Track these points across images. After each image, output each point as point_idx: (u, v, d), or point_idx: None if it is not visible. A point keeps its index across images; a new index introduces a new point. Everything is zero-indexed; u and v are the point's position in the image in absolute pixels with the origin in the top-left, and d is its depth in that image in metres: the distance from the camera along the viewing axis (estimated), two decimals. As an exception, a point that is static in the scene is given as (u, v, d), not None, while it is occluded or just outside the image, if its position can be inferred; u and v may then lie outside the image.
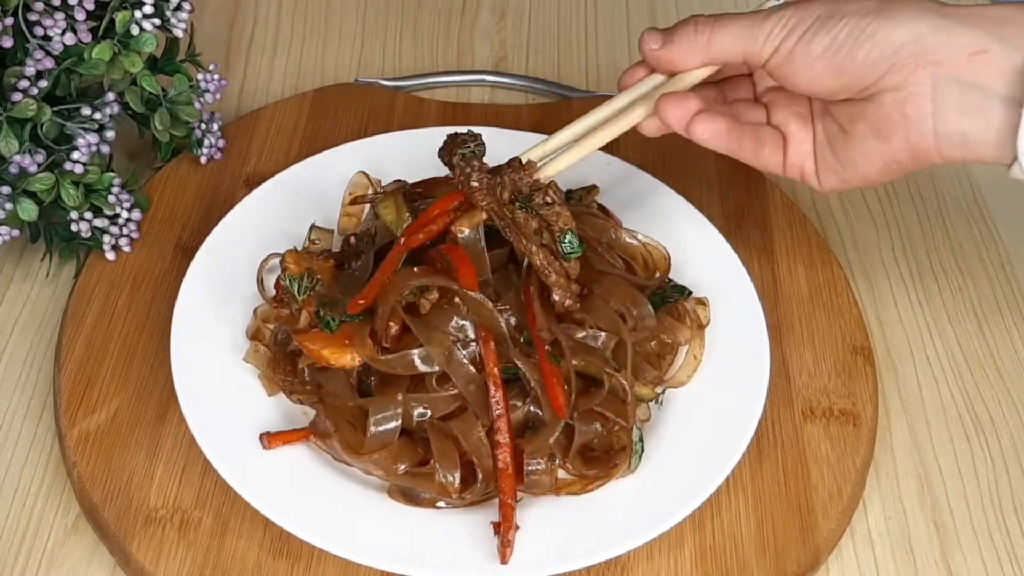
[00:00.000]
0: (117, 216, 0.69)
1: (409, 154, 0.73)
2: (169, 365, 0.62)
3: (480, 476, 0.57)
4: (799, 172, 0.61)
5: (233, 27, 0.91)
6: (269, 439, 0.59)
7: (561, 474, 0.59)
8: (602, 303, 0.62)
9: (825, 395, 0.65)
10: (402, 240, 0.60)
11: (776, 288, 0.70)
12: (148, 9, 0.66)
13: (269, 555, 0.57)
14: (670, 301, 0.65)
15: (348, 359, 0.59)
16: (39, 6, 0.63)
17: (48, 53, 0.64)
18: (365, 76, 0.87)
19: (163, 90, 0.72)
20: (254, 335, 0.64)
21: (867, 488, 0.63)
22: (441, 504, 0.58)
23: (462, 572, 0.55)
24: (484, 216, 0.60)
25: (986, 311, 0.72)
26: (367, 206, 0.69)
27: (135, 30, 0.66)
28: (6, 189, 0.65)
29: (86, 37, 0.65)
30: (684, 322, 0.65)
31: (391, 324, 0.59)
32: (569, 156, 0.60)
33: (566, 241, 0.58)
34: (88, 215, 0.68)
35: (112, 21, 0.66)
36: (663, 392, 0.63)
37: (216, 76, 0.73)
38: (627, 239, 0.68)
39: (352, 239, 0.66)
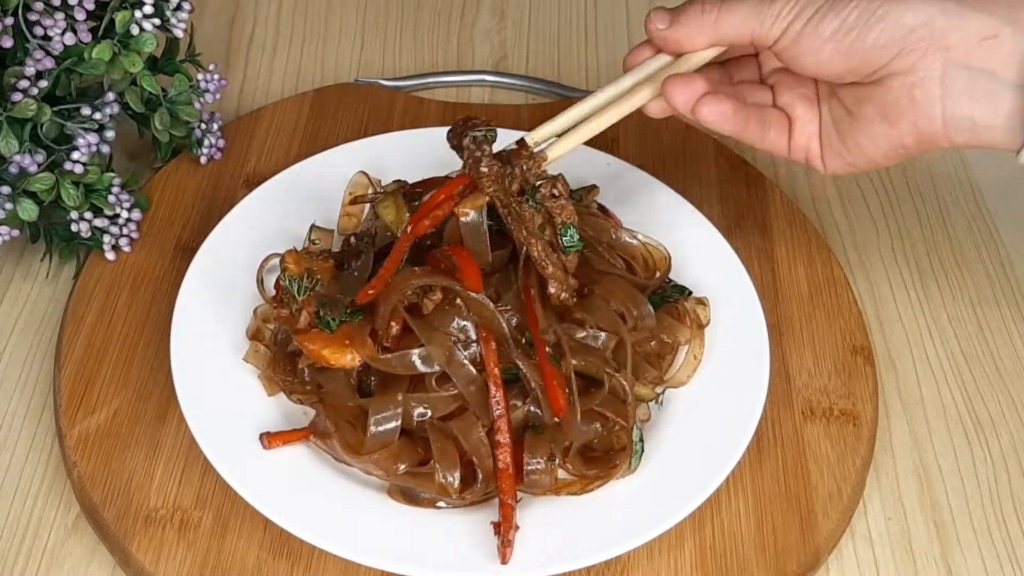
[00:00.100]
0: (117, 216, 0.69)
1: (409, 154, 0.73)
2: (169, 365, 0.62)
3: (480, 476, 0.57)
4: (804, 154, 0.60)
5: (233, 27, 0.91)
6: (269, 439, 0.59)
7: (561, 474, 0.59)
8: (602, 303, 0.62)
9: (825, 395, 0.65)
10: (409, 228, 0.60)
11: (776, 288, 0.70)
12: (148, 9, 0.66)
13: (269, 555, 0.57)
14: (670, 301, 0.65)
15: (348, 359, 0.59)
16: (39, 6, 0.63)
17: (48, 53, 0.64)
18: (365, 76, 0.87)
19: (163, 90, 0.72)
20: (254, 335, 0.64)
21: (867, 488, 0.63)
22: (441, 504, 0.58)
23: (462, 572, 0.55)
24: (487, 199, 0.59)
25: (986, 311, 0.72)
26: (367, 206, 0.69)
27: (135, 30, 0.66)
28: (6, 189, 0.65)
29: (86, 37, 0.65)
30: (684, 322, 0.65)
31: (392, 324, 0.59)
32: (574, 137, 0.59)
33: (567, 235, 0.58)
34: (88, 215, 0.68)
35: (112, 21, 0.66)
36: (663, 392, 0.63)
37: (216, 76, 0.73)
38: (627, 239, 0.68)
39: (352, 239, 0.66)
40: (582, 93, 0.85)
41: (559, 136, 0.60)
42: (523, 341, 0.59)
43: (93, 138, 0.66)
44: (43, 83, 0.64)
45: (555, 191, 0.58)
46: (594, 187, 0.72)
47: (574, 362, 0.59)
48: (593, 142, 0.74)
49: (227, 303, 0.65)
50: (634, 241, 0.68)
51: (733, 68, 0.63)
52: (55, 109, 0.65)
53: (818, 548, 0.59)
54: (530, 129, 0.61)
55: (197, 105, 0.73)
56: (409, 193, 0.65)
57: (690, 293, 0.66)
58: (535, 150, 0.59)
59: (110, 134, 0.67)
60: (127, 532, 0.57)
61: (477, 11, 0.94)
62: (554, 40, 0.91)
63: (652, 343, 0.64)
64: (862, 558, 0.60)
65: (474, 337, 0.59)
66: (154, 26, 0.67)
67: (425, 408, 0.59)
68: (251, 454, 0.59)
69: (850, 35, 0.54)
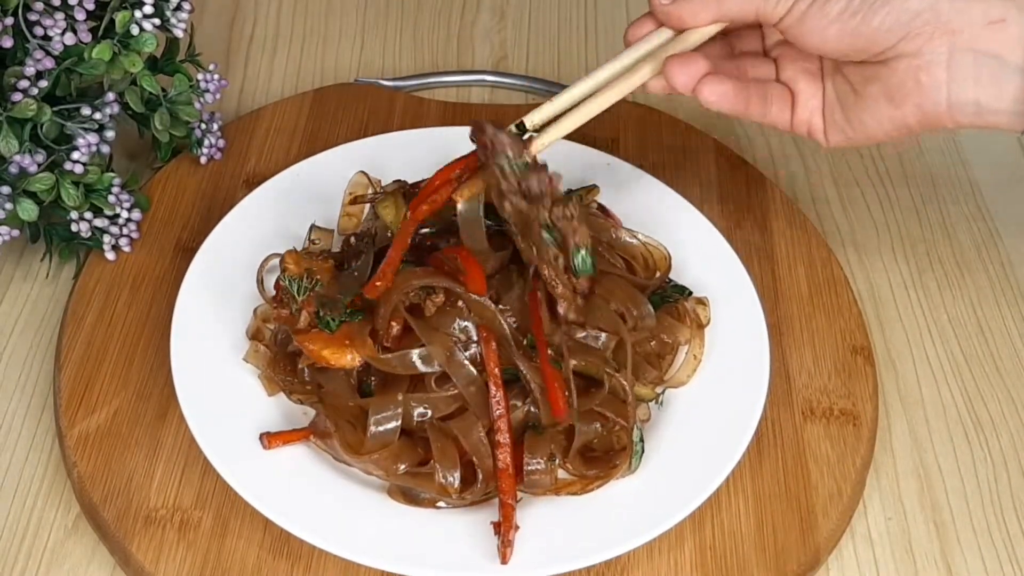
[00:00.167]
0: (117, 216, 0.69)
1: (409, 154, 0.73)
2: (169, 365, 0.62)
3: (480, 476, 0.57)
4: (806, 128, 0.60)
5: (233, 27, 0.91)
6: (269, 439, 0.59)
7: (561, 474, 0.59)
8: (602, 303, 0.62)
9: (825, 395, 0.65)
10: (408, 215, 0.60)
11: (776, 288, 0.70)
12: (148, 9, 0.66)
13: (269, 555, 0.57)
14: (670, 301, 0.65)
15: (348, 359, 0.59)
16: (39, 6, 0.63)
17: (48, 53, 0.64)
18: (365, 76, 0.87)
19: (163, 90, 0.72)
20: (254, 335, 0.64)
21: (867, 488, 0.63)
22: (441, 504, 0.58)
23: (462, 572, 0.55)
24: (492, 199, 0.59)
25: (986, 311, 0.72)
26: (367, 206, 0.69)
27: (135, 30, 0.66)
28: (6, 189, 0.65)
29: (86, 37, 0.65)
30: (684, 322, 0.65)
31: (392, 324, 0.59)
32: (576, 117, 0.58)
33: (579, 257, 0.58)
34: (88, 215, 0.68)
35: (112, 21, 0.66)
36: (663, 392, 0.63)
37: (216, 76, 0.73)
38: (627, 239, 0.68)
39: (352, 239, 0.66)
40: (582, 93, 0.85)
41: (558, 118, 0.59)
42: (524, 343, 0.59)
43: (93, 138, 0.66)
44: (43, 83, 0.64)
45: (568, 212, 0.57)
46: (594, 187, 0.72)
47: (573, 362, 0.59)
48: (593, 142, 0.75)
49: (227, 303, 0.65)
50: (634, 241, 0.68)
51: (735, 39, 0.62)
52: (55, 109, 0.65)
53: (818, 548, 0.59)
54: (530, 129, 0.61)
55: (197, 105, 0.73)
56: (409, 193, 0.65)
57: (690, 293, 0.66)
58: (530, 135, 0.58)
59: (110, 134, 0.67)
60: (127, 532, 0.57)
61: (477, 11, 0.94)
62: (554, 40, 0.91)
63: (652, 343, 0.64)
64: (862, 558, 0.60)
65: (475, 338, 0.59)
66: (154, 26, 0.67)
67: (425, 408, 0.59)
68: (251, 454, 0.59)
69: (856, 17, 0.54)
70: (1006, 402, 0.68)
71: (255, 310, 0.65)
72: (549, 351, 0.58)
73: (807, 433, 0.63)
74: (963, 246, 0.76)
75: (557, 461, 0.59)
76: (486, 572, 0.55)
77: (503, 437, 0.57)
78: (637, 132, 0.79)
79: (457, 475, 0.57)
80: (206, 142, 0.75)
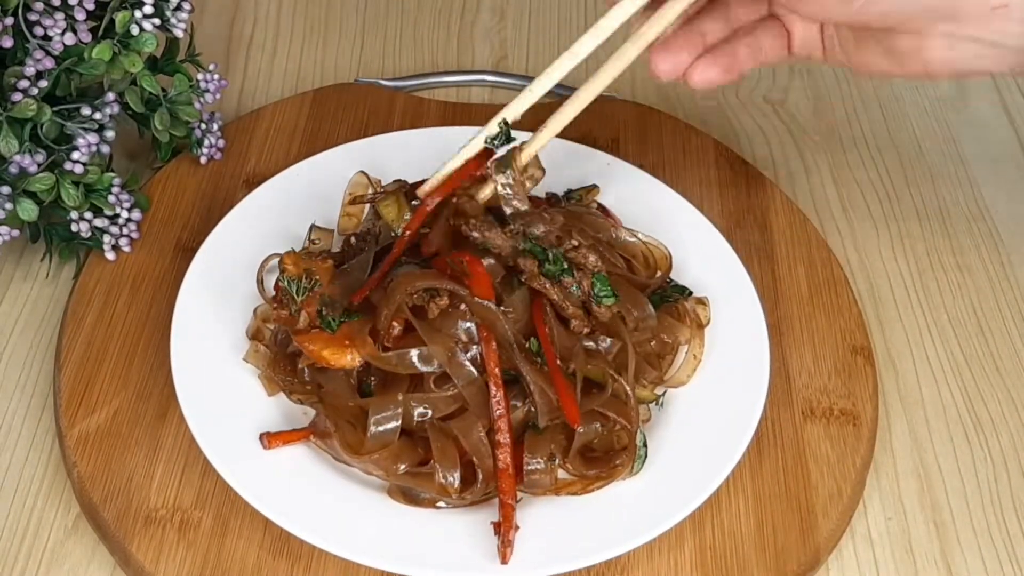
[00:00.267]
0: (117, 216, 0.69)
1: (409, 154, 0.73)
2: (169, 365, 0.62)
3: (480, 476, 0.57)
4: (806, 55, 0.60)
5: (233, 27, 0.91)
6: (269, 439, 0.59)
7: (561, 474, 0.59)
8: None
9: (825, 395, 0.65)
10: (406, 233, 0.60)
11: (776, 288, 0.70)
12: (148, 9, 0.66)
13: (269, 555, 0.57)
14: (670, 301, 0.65)
15: (348, 359, 0.59)
16: (39, 6, 0.63)
17: (48, 53, 0.64)
18: (365, 76, 0.87)
19: (163, 90, 0.72)
20: (254, 335, 0.64)
21: (867, 488, 0.63)
22: (441, 504, 0.58)
23: (462, 572, 0.55)
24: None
25: (986, 311, 0.72)
26: (367, 206, 0.69)
27: (135, 30, 0.66)
28: (6, 189, 0.65)
29: (86, 37, 0.65)
30: (684, 322, 0.65)
31: (394, 324, 0.59)
32: (572, 107, 0.59)
33: (596, 287, 0.59)
34: (88, 215, 0.68)
35: (112, 21, 0.66)
36: (663, 394, 0.63)
37: (216, 76, 0.73)
38: (627, 238, 0.68)
39: (352, 239, 0.66)
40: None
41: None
42: (527, 346, 0.59)
43: (93, 138, 0.66)
44: (43, 83, 0.64)
45: (573, 242, 0.58)
46: (594, 187, 0.72)
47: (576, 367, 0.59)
48: (593, 142, 0.75)
49: (227, 303, 0.65)
50: (634, 240, 0.68)
51: None
52: (55, 109, 0.65)
53: (818, 548, 0.59)
54: (530, 129, 0.61)
55: (197, 105, 0.73)
56: (409, 193, 0.65)
57: (690, 293, 0.66)
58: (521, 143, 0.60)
59: (110, 134, 0.67)
60: (127, 532, 0.57)
61: (477, 11, 0.94)
62: (554, 40, 0.91)
63: (652, 343, 0.64)
64: (862, 558, 0.60)
65: (476, 339, 0.59)
66: (154, 26, 0.67)
67: (425, 408, 0.59)
68: (251, 454, 0.59)
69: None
70: (1006, 402, 0.68)
71: (255, 310, 0.65)
72: (558, 362, 0.58)
73: (807, 433, 0.63)
74: (963, 246, 0.76)
75: (557, 461, 0.59)
76: (486, 572, 0.55)
77: (503, 437, 0.57)
78: (637, 132, 0.79)
79: (457, 475, 0.57)
80: (206, 142, 0.75)
